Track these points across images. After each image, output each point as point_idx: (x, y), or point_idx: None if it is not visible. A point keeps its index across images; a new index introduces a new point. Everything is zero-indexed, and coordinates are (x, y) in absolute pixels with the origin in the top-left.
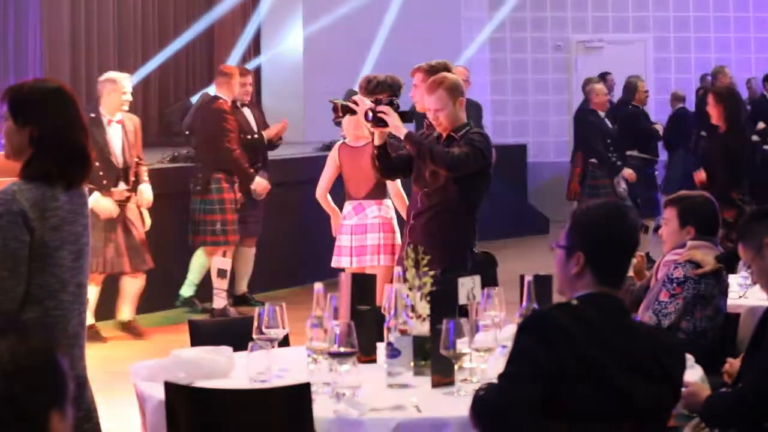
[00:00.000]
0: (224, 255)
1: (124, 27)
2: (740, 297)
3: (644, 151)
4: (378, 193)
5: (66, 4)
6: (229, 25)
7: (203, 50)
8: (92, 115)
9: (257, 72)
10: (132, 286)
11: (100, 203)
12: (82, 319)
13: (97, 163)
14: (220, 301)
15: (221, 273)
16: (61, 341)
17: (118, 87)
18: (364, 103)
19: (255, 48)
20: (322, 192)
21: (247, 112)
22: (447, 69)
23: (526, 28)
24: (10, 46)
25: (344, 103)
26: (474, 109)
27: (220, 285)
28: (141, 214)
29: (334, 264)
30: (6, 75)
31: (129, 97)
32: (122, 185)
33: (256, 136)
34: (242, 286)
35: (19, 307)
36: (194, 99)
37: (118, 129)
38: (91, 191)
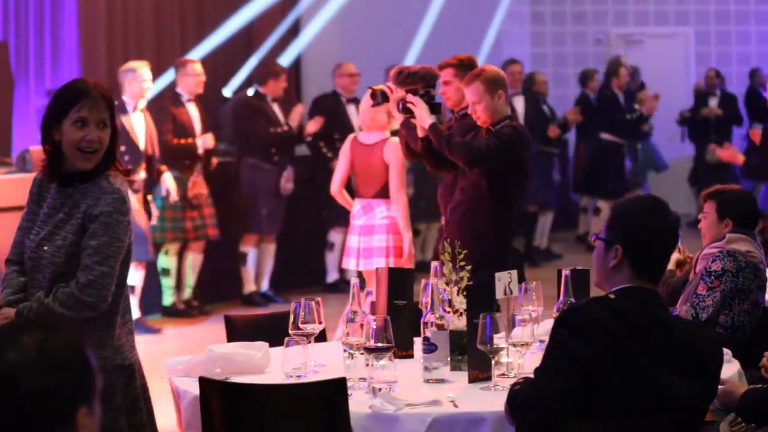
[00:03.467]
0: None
1: (162, 18)
2: None
3: (545, 144)
4: (387, 192)
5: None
6: (267, 20)
7: (241, 43)
8: (116, 102)
9: (297, 67)
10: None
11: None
12: None
13: (122, 148)
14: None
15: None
16: (131, 328)
17: (138, 76)
18: (398, 91)
19: (292, 39)
20: (337, 188)
21: (276, 107)
22: (473, 62)
23: (566, 22)
24: (46, 36)
25: (382, 89)
26: None
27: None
28: (148, 207)
29: (344, 265)
30: (42, 66)
31: (149, 85)
32: (142, 173)
33: (285, 128)
34: (263, 284)
35: (114, 301)
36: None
37: (140, 117)
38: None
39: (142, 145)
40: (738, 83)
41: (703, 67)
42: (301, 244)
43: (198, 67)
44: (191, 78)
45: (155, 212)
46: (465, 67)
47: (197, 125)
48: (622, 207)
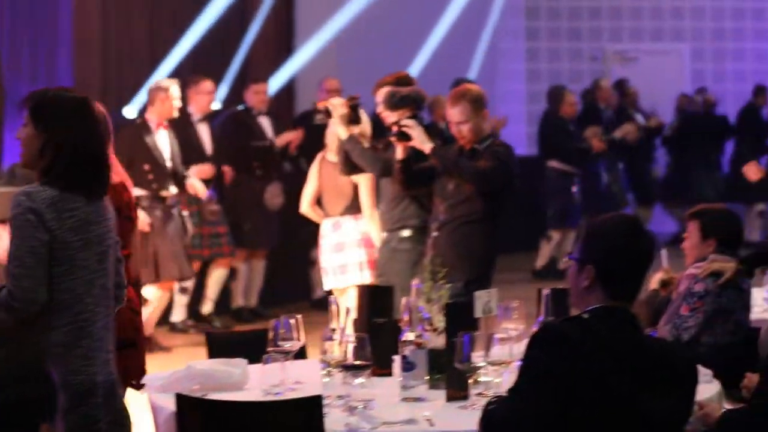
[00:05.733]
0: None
1: (155, 32)
2: (764, 311)
3: (567, 163)
4: (355, 208)
5: (97, 9)
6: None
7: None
8: (138, 120)
9: (291, 85)
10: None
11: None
12: (108, 322)
13: (147, 166)
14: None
15: (181, 289)
16: (90, 346)
17: (170, 95)
18: (341, 106)
19: (287, 53)
20: (307, 206)
21: (263, 120)
22: (410, 80)
23: (562, 38)
24: (41, 50)
25: (326, 106)
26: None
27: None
28: (184, 222)
29: (325, 286)
30: (36, 79)
31: (179, 104)
32: (172, 189)
33: (267, 143)
34: (252, 300)
35: (48, 314)
36: None
37: (165, 134)
38: (138, 197)
39: (168, 163)
40: (735, 100)
41: (698, 84)
42: (287, 259)
43: (210, 85)
44: (203, 96)
45: (190, 228)
46: (402, 84)
47: (208, 146)
48: (594, 226)
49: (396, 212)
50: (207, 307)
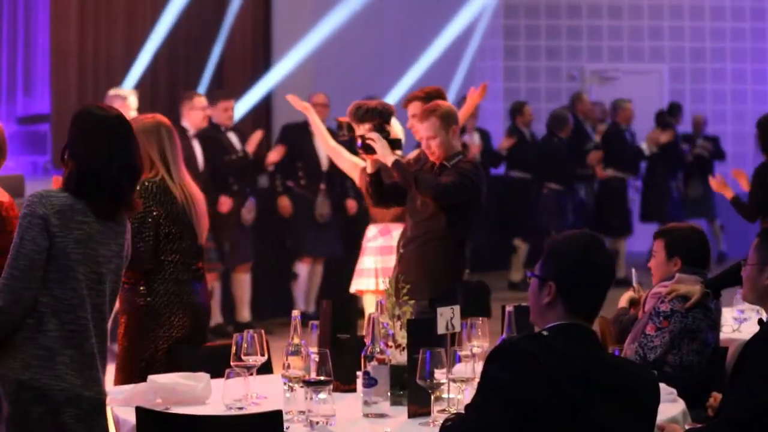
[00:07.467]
0: None
1: (133, 48)
2: (734, 331)
3: (559, 182)
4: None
5: (74, 24)
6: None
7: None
8: None
9: (268, 101)
10: None
11: None
12: (101, 345)
13: None
14: None
15: None
16: (75, 358)
17: (127, 104)
18: (370, 130)
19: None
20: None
21: (231, 135)
22: (441, 94)
23: (540, 57)
24: (19, 64)
25: (348, 121)
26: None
27: None
28: None
29: (353, 288)
30: (14, 92)
31: (135, 114)
32: None
33: (241, 155)
34: (244, 314)
35: (37, 317)
36: None
37: None
38: None
39: None
40: (713, 122)
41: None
42: (267, 275)
43: (204, 100)
44: (198, 112)
45: None
46: (433, 98)
47: (201, 162)
48: (556, 243)
49: None
50: None
